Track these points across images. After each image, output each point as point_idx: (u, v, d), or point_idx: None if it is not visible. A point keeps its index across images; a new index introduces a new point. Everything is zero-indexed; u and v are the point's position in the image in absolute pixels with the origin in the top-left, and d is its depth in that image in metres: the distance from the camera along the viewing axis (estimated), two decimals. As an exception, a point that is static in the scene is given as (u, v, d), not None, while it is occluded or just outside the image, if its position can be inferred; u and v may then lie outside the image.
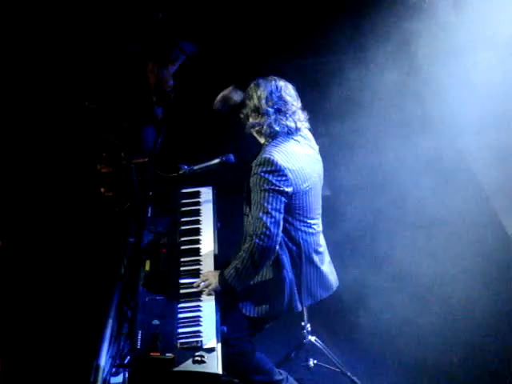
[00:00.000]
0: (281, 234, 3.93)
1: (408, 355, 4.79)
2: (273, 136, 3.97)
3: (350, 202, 5.87)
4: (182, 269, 4.23)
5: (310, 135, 4.14)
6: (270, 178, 3.85)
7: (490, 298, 5.07)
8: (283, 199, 3.89)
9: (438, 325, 4.98)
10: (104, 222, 5.43)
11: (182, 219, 4.60)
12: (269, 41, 6.47)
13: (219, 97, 4.82)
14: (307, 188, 3.98)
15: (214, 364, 3.67)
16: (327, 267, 4.22)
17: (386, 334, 4.96)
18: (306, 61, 6.69)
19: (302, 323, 4.62)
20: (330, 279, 4.23)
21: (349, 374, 4.60)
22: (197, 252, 4.35)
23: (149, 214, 4.58)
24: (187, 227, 4.53)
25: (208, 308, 3.98)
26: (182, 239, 4.44)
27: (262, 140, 4.05)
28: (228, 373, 4.12)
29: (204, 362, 3.66)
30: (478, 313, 4.98)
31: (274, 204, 3.87)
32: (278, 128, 3.95)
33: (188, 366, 3.65)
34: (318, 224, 4.14)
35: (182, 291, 4.08)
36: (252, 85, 4.02)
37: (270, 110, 3.94)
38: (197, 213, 4.65)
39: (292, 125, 3.96)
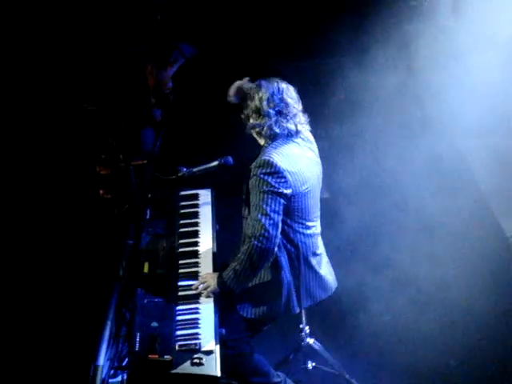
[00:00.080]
0: (279, 235, 3.92)
1: (406, 358, 4.78)
2: (273, 138, 3.97)
3: (350, 205, 5.86)
4: (180, 271, 4.22)
5: (311, 137, 4.13)
6: (269, 179, 3.85)
7: (489, 301, 5.06)
8: (282, 201, 3.88)
9: (437, 328, 4.96)
10: (102, 224, 5.43)
11: (181, 221, 4.60)
12: (268, 42, 6.47)
13: (233, 88, 4.53)
14: (306, 190, 3.97)
15: (213, 366, 3.66)
16: (325, 268, 4.22)
17: (385, 336, 4.95)
18: (304, 63, 6.68)
19: (301, 325, 4.59)
20: (329, 280, 4.23)
21: (347, 376, 4.58)
22: (195, 254, 4.34)
23: (147, 216, 4.59)
24: (186, 229, 4.53)
25: (206, 310, 3.97)
26: (181, 241, 4.44)
27: (261, 141, 4.05)
28: (226, 375, 4.10)
29: (202, 364, 3.65)
30: (477, 316, 4.97)
31: (273, 206, 3.86)
32: (278, 130, 3.94)
33: (186, 368, 3.64)
34: (316, 226, 4.14)
35: (180, 293, 4.07)
36: (254, 86, 4.02)
37: (271, 111, 3.93)
38: (195, 215, 4.65)
39: (292, 127, 3.96)
